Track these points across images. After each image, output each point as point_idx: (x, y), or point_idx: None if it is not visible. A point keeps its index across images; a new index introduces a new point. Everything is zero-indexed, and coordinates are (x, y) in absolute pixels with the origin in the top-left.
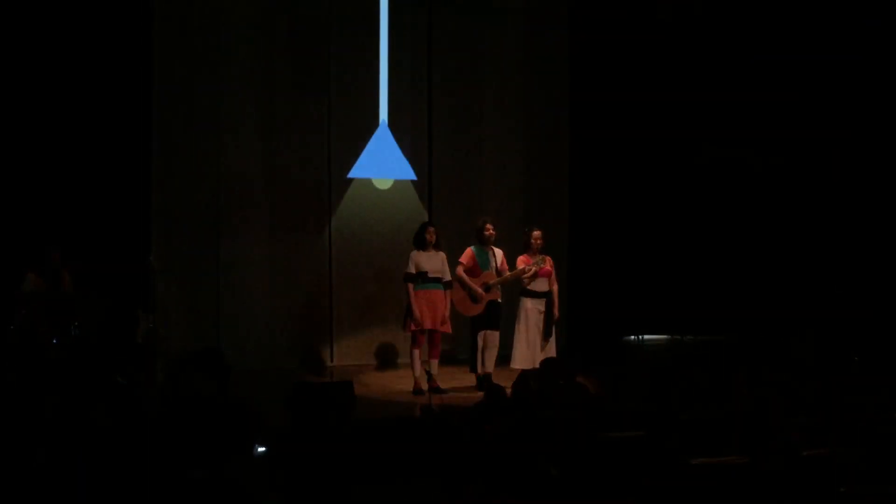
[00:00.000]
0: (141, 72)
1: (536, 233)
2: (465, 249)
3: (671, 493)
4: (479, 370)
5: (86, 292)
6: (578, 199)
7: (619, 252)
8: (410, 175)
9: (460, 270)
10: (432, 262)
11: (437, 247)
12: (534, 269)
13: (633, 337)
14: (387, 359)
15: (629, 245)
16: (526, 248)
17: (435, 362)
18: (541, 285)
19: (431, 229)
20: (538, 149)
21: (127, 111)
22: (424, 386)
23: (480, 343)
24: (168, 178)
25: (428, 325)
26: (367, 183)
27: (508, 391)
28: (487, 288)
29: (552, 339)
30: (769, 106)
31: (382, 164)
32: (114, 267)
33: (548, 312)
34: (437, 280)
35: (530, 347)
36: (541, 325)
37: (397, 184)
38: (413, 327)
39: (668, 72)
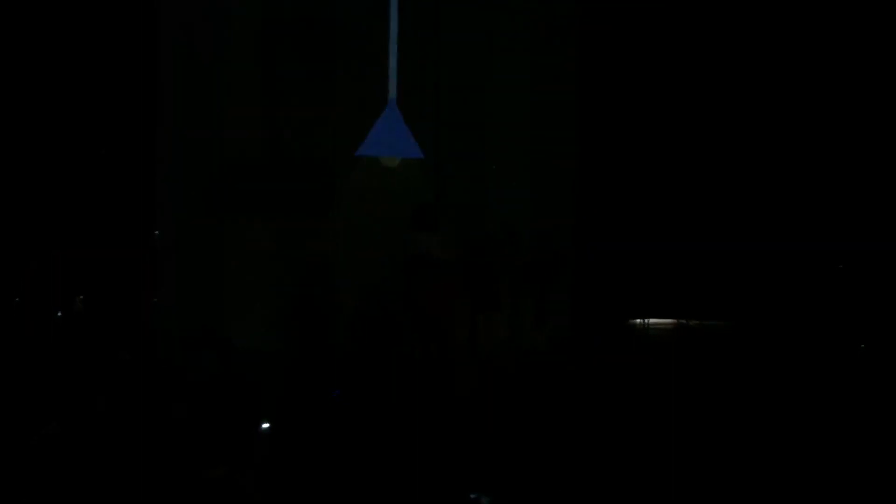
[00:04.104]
0: (146, 53)
1: None
2: (476, 226)
3: None
4: (477, 354)
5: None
6: (586, 180)
7: (627, 233)
8: (418, 153)
9: None
10: (432, 243)
11: (435, 228)
12: None
13: (638, 321)
14: (390, 339)
15: (636, 226)
16: None
17: (436, 346)
18: None
19: (431, 210)
20: (545, 128)
21: (131, 94)
22: (427, 370)
23: (480, 325)
24: (172, 158)
25: (430, 308)
26: (375, 161)
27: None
28: None
29: None
30: (777, 90)
31: (390, 142)
32: (118, 246)
33: None
34: (436, 261)
35: None
36: None
37: (405, 162)
38: (416, 310)
39: (677, 52)
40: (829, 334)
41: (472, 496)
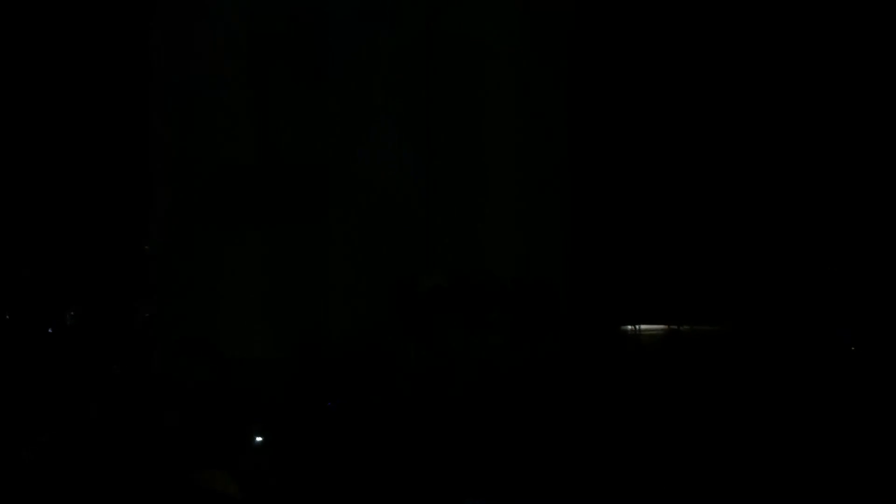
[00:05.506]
0: (138, 63)
1: None
2: (468, 234)
3: None
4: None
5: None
6: (579, 187)
7: (621, 240)
8: (410, 162)
9: None
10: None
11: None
12: None
13: (629, 327)
14: (385, 347)
15: (631, 234)
16: None
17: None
18: None
19: None
20: (537, 136)
21: (124, 103)
22: (421, 375)
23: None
24: (166, 167)
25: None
26: (366, 170)
27: None
28: None
29: None
30: (773, 97)
31: (382, 151)
32: (111, 256)
33: None
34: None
35: None
36: None
37: (397, 171)
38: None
39: (672, 59)
40: (819, 336)
41: None
